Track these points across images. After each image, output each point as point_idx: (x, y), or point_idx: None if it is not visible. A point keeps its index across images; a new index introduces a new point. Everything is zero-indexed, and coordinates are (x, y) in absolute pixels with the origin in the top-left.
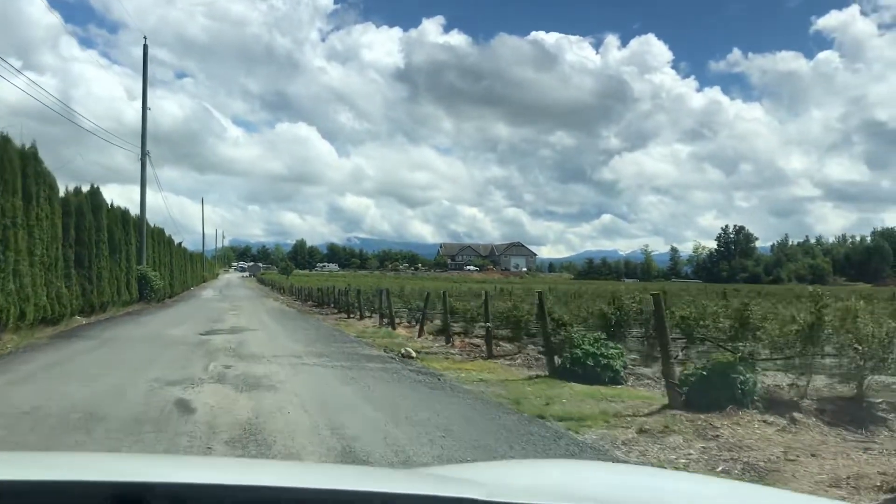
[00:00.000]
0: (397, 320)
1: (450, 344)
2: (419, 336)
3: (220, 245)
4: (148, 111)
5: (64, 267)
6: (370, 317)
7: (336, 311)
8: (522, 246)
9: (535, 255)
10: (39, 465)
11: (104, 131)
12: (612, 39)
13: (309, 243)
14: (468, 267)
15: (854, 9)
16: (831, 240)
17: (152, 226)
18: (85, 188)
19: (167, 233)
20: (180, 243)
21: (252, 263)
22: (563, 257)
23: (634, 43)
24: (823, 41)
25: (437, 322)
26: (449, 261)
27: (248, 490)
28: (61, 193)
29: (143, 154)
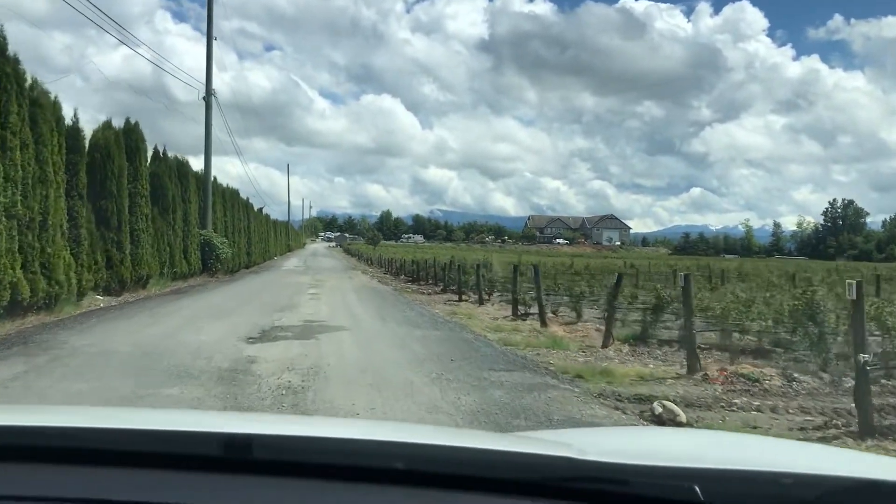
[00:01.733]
0: (523, 308)
1: (700, 373)
2: (606, 345)
3: (307, 216)
4: (214, 41)
5: (71, 227)
6: (488, 300)
7: (439, 289)
8: (615, 219)
9: (629, 228)
10: (157, 418)
11: (171, 64)
12: (704, 6)
13: (394, 215)
14: (557, 240)
15: None
16: None
17: (225, 185)
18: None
19: (244, 196)
20: (261, 209)
21: (339, 234)
22: (652, 231)
23: (728, 10)
24: None
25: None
26: (537, 233)
27: (347, 443)
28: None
29: (209, 92)
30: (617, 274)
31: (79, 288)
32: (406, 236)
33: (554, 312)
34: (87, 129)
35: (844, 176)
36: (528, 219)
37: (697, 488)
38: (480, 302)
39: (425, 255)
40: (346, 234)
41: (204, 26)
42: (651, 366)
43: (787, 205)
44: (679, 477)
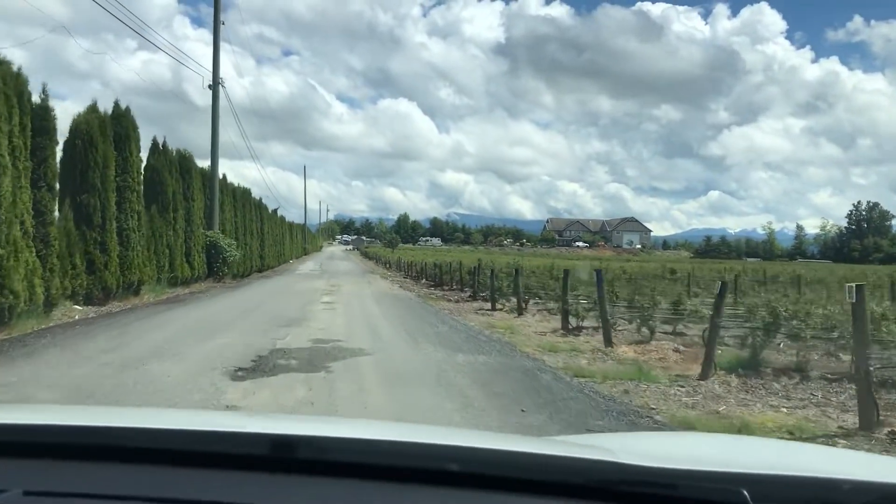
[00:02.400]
0: (574, 321)
1: (884, 429)
2: (705, 376)
3: (324, 219)
4: (221, 25)
5: (38, 224)
6: (526, 308)
7: (466, 295)
8: (636, 221)
9: (650, 231)
10: (204, 420)
11: (174, 48)
12: (721, 9)
13: (411, 218)
14: (577, 243)
15: None
16: None
17: (237, 184)
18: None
19: (257, 197)
20: (276, 210)
21: (356, 237)
22: (670, 234)
23: (746, 12)
24: None
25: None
26: (556, 236)
27: (387, 444)
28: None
29: (216, 80)
30: (720, 282)
31: (47, 297)
32: (424, 239)
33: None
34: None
35: (864, 179)
36: (547, 222)
37: (745, 492)
38: (519, 311)
39: (446, 259)
40: (364, 238)
41: (222, 32)
42: (785, 410)
43: (805, 208)
44: (727, 481)
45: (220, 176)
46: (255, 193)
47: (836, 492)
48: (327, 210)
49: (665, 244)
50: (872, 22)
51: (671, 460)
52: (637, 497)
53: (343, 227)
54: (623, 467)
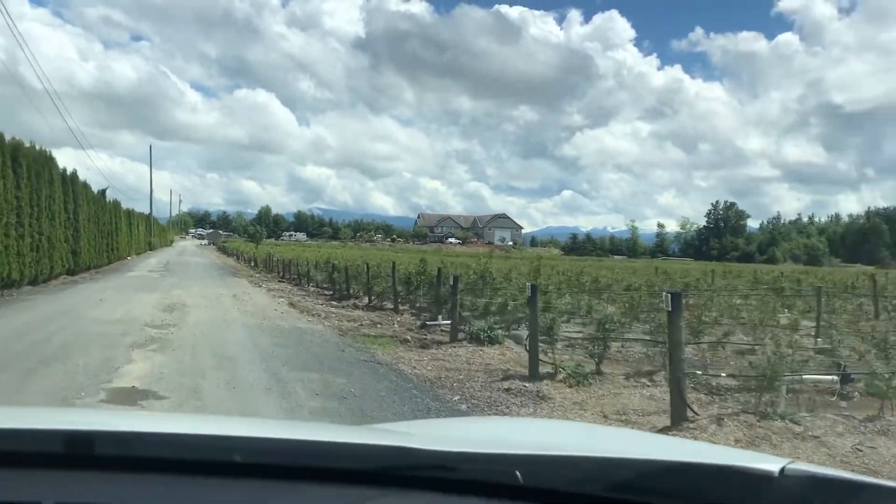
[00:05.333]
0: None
1: None
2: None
3: (176, 211)
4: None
5: None
6: (497, 341)
7: (417, 323)
8: (507, 218)
9: (521, 228)
10: None
11: None
12: (575, 14)
13: (273, 212)
14: (450, 239)
15: None
16: (801, 219)
17: (30, 144)
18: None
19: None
20: (103, 191)
21: (212, 230)
22: (528, 232)
23: (598, 19)
24: (784, 23)
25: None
26: (428, 232)
27: (189, 438)
28: None
29: None
30: None
31: None
32: (288, 234)
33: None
34: None
35: (704, 181)
36: (419, 217)
37: (518, 473)
38: (492, 344)
39: (328, 255)
40: (221, 231)
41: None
42: None
43: (651, 208)
44: (503, 462)
45: None
46: (101, 187)
47: (607, 470)
48: (180, 201)
49: (533, 241)
50: (712, 34)
51: (464, 444)
52: (430, 481)
53: (198, 220)
54: (409, 451)
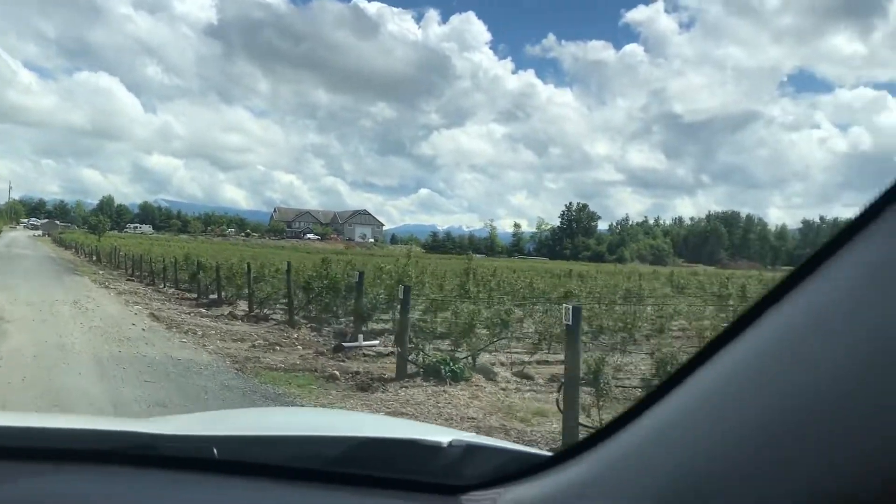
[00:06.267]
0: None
1: None
2: None
3: (5, 199)
4: None
5: None
6: (462, 377)
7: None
8: (368, 214)
9: (382, 224)
10: None
11: None
12: (433, 14)
13: (116, 202)
14: (308, 235)
15: (659, 5)
16: (668, 222)
17: None
18: None
19: None
20: None
21: (47, 220)
22: (386, 229)
23: (455, 20)
24: (631, 34)
25: None
26: (285, 227)
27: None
28: None
29: None
30: None
31: None
32: (132, 226)
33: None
34: None
35: (554, 184)
36: (274, 211)
37: (215, 450)
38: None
39: (187, 251)
40: (58, 222)
41: None
42: None
43: (504, 208)
44: (202, 441)
45: None
46: None
47: (305, 447)
48: (10, 189)
49: (394, 238)
50: (563, 41)
51: (215, 430)
52: (158, 459)
53: (31, 210)
54: (126, 435)
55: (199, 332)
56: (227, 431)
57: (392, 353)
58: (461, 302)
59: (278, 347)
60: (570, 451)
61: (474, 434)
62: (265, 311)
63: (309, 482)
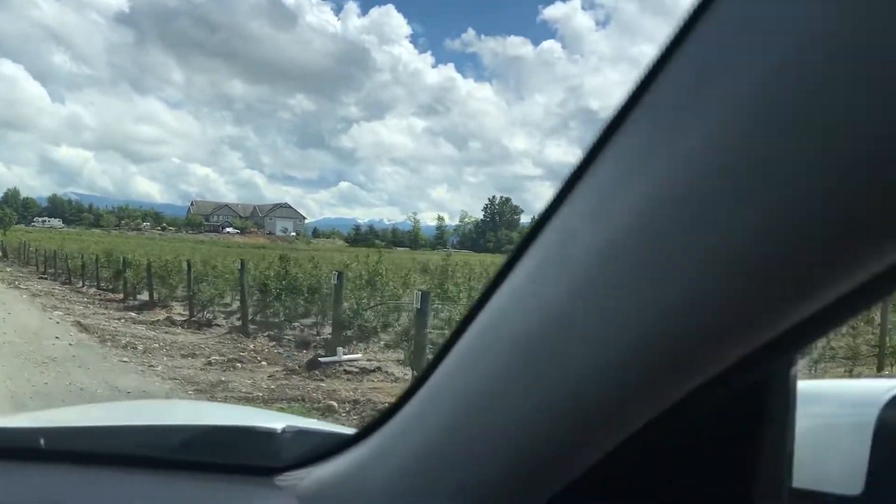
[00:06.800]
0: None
1: None
2: None
3: None
4: None
5: None
6: None
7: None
8: (290, 208)
9: (304, 218)
10: None
11: None
12: (352, 6)
13: (22, 195)
14: (228, 229)
15: (576, 2)
16: None
17: None
18: None
19: None
20: None
21: None
22: (307, 223)
23: (374, 12)
24: (549, 30)
25: None
26: (203, 221)
27: None
28: None
29: None
30: None
31: None
32: (41, 219)
33: None
34: None
35: (474, 178)
36: (192, 204)
37: (42, 440)
38: None
39: (110, 247)
40: None
41: None
42: None
43: (425, 202)
44: (29, 433)
45: None
46: None
47: (143, 436)
48: None
49: (315, 232)
50: (483, 36)
51: (59, 422)
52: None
53: None
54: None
55: (140, 347)
56: (68, 423)
57: (378, 368)
58: (454, 305)
59: (239, 365)
60: (366, 429)
61: (316, 420)
62: (207, 315)
63: (144, 469)
